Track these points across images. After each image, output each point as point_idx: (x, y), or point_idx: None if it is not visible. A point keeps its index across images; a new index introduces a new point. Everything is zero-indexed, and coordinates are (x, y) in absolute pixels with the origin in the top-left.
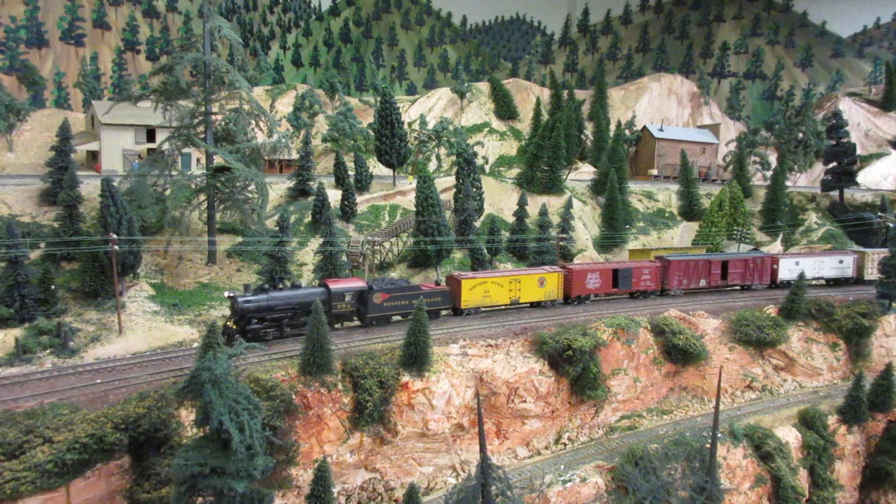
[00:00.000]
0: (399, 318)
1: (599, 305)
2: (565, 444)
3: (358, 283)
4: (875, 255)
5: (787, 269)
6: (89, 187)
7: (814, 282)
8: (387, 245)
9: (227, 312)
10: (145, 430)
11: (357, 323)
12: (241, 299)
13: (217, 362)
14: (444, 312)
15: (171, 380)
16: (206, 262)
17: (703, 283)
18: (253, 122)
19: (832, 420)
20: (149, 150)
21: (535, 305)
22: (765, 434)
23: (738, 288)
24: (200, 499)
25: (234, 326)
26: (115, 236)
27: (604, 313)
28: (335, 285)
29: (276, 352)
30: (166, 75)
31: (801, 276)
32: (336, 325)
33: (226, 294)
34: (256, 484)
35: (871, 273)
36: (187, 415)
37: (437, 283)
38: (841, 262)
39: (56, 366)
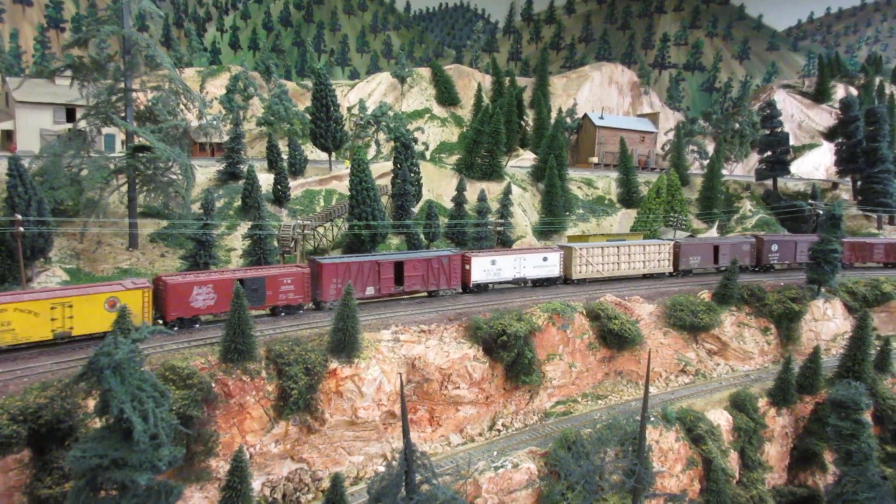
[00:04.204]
0: None
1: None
2: (499, 431)
3: None
4: (583, 252)
5: (482, 270)
6: (0, 168)
7: (513, 284)
8: (321, 230)
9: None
10: (47, 422)
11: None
12: None
13: (118, 347)
14: None
15: (78, 369)
16: (128, 246)
17: (370, 290)
18: (182, 103)
19: (762, 403)
20: (69, 130)
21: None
22: (697, 417)
23: (421, 295)
24: (103, 493)
25: None
26: (20, 217)
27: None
28: None
29: (198, 338)
30: (82, 49)
31: (735, 262)
32: None
33: None
34: (165, 476)
35: (580, 271)
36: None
37: None
38: (545, 259)
39: None
